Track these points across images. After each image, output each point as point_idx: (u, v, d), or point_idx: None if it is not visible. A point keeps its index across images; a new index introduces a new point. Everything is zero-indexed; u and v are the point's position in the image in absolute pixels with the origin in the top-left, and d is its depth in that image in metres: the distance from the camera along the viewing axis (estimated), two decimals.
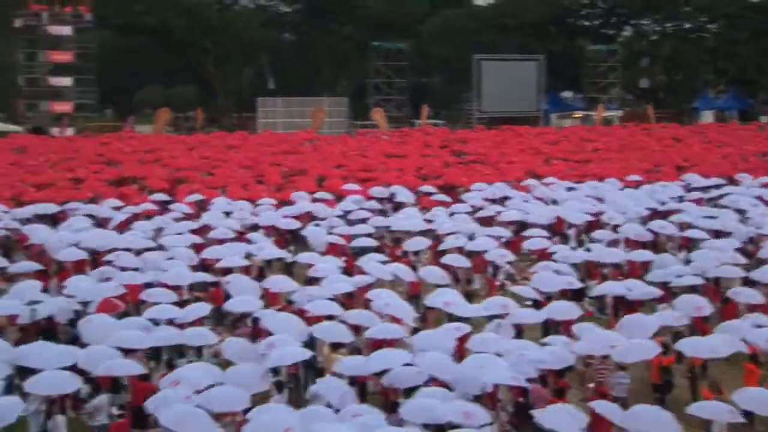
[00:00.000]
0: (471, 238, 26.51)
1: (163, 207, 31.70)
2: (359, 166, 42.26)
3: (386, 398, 15.54)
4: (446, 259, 23.76)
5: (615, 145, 52.15)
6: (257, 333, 18.53)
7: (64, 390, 15.24)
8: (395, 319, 18.78)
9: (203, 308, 19.54)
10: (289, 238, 28.62)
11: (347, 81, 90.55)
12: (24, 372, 16.25)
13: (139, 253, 24.37)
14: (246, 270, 23.46)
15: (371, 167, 41.88)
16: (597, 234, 28.22)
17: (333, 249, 25.95)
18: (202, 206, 32.04)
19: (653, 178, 38.97)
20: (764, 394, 14.89)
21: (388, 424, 13.53)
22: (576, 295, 22.26)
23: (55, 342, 17.50)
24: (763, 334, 17.79)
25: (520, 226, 29.55)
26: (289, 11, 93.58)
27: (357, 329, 18.25)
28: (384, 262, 23.46)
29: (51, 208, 30.19)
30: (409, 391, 15.19)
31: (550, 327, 19.45)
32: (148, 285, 21.27)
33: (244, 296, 20.19)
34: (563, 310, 19.49)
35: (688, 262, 24.33)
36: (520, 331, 18.96)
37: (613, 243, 27.21)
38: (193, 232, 27.44)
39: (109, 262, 23.13)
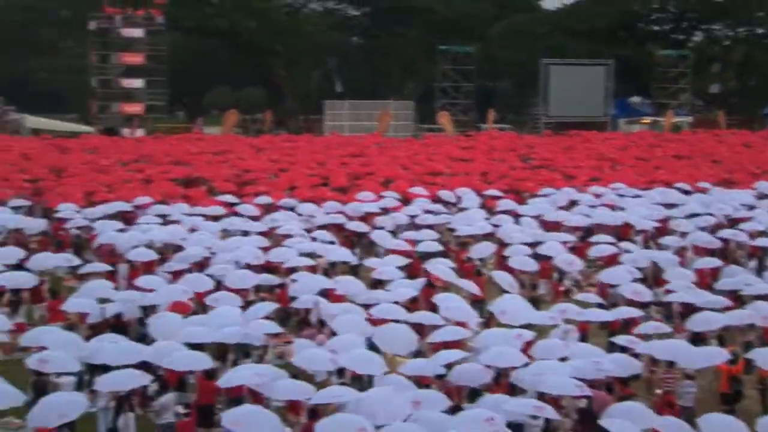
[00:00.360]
0: (537, 243, 26.39)
1: (230, 208, 31.99)
2: (425, 169, 42.25)
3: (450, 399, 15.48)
4: (512, 264, 23.64)
5: (684, 151, 51.47)
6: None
7: (132, 385, 15.43)
8: (459, 323, 18.81)
9: (268, 308, 19.65)
10: (354, 240, 28.74)
11: (414, 84, 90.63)
12: (94, 369, 16.61)
13: (205, 254, 24.65)
14: (311, 271, 23.59)
15: (438, 170, 41.85)
16: (665, 240, 27.92)
17: (398, 252, 25.95)
18: (268, 208, 32.29)
19: (724, 185, 38.40)
20: None
21: None
22: (643, 303, 22.04)
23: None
24: None
25: (587, 232, 29.34)
26: (357, 15, 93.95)
27: (421, 332, 18.30)
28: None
29: (121, 206, 30.57)
30: (474, 394, 15.21)
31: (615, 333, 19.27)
32: (217, 285, 21.60)
33: (309, 295, 20.38)
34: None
35: (758, 270, 23.94)
36: (584, 337, 18.86)
37: (680, 250, 26.91)
38: (260, 233, 27.70)
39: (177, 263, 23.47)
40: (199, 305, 20.77)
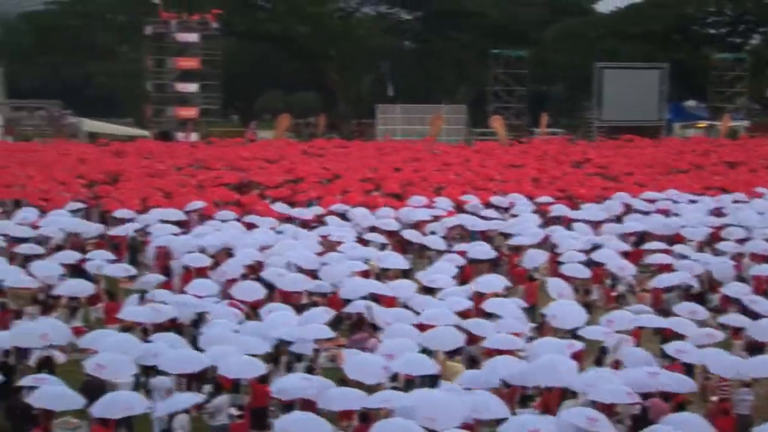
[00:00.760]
0: (590, 250, 26.25)
1: (283, 214, 32.13)
2: (478, 175, 42.20)
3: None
4: (565, 270, 23.52)
5: (741, 156, 50.81)
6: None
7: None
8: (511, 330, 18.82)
9: (324, 316, 19.74)
10: (406, 245, 28.76)
11: (466, 88, 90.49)
12: (149, 370, 16.80)
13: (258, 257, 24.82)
14: (364, 275, 23.67)
15: (490, 176, 41.79)
16: (721, 245, 27.64)
17: (449, 257, 25.97)
18: (320, 213, 32.42)
19: None
20: None
21: None
22: None
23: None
24: None
25: (640, 238, 29.12)
26: (410, 19, 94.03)
27: (473, 338, 18.29)
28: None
29: (176, 214, 30.87)
30: (525, 399, 15.19)
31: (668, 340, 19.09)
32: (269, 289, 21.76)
33: (361, 300, 20.49)
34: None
35: None
36: (638, 343, 18.70)
37: (737, 256, 26.61)
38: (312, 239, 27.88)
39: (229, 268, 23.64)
40: (252, 309, 20.91)
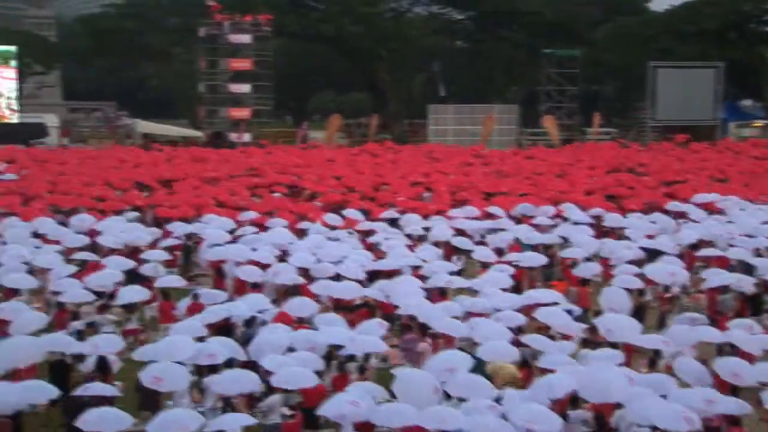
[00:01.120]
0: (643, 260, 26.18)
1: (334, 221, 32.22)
2: (529, 181, 42.06)
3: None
4: (618, 283, 23.30)
5: None
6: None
7: (244, 390, 15.74)
8: (564, 336, 18.83)
9: (379, 330, 19.61)
10: (458, 253, 28.74)
11: (517, 88, 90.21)
12: (201, 368, 16.97)
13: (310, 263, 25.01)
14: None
15: (541, 183, 41.64)
16: None
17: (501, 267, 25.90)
18: (369, 218, 32.46)
19: None
20: None
21: None
22: (755, 311, 21.73)
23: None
24: None
25: (693, 247, 28.83)
26: (462, 18, 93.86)
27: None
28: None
29: (228, 223, 31.15)
30: (576, 400, 15.24)
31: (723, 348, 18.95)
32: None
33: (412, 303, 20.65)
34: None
35: None
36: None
37: None
38: (365, 245, 28.04)
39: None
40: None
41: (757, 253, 28.15)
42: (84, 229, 29.80)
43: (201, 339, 18.08)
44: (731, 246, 27.78)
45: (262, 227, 30.31)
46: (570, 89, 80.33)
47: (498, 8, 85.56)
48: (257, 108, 76.19)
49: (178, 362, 16.42)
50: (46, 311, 21.91)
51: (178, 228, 30.07)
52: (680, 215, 33.61)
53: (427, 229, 30.66)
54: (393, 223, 31.77)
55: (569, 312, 20.36)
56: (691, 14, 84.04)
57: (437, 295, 22.42)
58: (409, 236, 29.53)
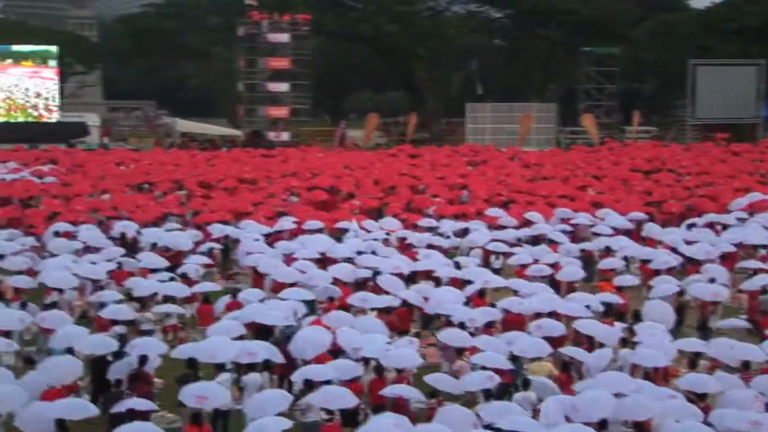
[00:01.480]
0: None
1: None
2: (571, 184, 41.97)
3: None
4: (655, 295, 23.18)
5: None
6: None
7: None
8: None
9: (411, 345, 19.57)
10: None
11: (555, 87, 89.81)
12: (240, 367, 17.27)
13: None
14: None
15: (581, 186, 41.56)
16: None
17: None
18: (407, 225, 32.44)
19: None
20: None
21: None
22: None
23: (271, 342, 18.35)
24: None
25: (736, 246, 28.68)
26: (499, 17, 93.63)
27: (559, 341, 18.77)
28: None
29: (262, 229, 31.15)
30: None
31: None
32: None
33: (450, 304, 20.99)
34: None
35: None
36: None
37: None
38: (401, 249, 28.15)
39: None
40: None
41: None
42: (126, 236, 30.11)
43: (240, 338, 18.40)
44: None
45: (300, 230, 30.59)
46: (609, 87, 79.87)
47: (536, 6, 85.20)
48: (295, 107, 76.51)
49: (219, 364, 16.96)
50: (86, 310, 22.56)
51: (217, 230, 30.49)
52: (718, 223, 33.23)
53: (465, 230, 30.84)
54: (431, 230, 31.79)
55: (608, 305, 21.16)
56: (732, 11, 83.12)
57: (476, 297, 22.53)
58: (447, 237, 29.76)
